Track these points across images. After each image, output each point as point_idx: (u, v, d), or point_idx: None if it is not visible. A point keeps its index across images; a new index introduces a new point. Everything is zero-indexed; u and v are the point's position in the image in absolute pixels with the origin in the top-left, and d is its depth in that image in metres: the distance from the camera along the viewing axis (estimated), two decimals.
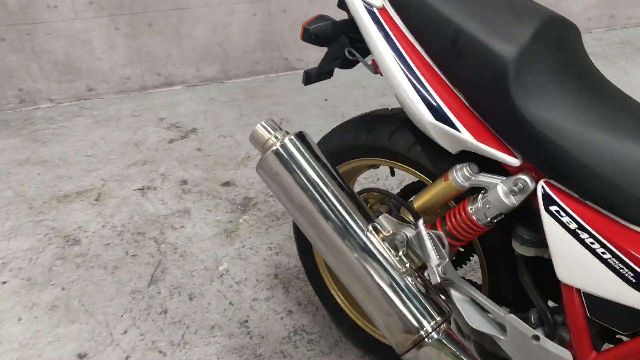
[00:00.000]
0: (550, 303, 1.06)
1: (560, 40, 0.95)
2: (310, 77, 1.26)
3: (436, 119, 0.97)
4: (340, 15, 1.18)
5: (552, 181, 0.89)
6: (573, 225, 0.86)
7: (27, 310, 1.68)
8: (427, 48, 0.98)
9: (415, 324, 0.98)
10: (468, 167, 0.98)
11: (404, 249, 1.02)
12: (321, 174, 1.06)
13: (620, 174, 0.82)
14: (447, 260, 1.00)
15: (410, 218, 1.12)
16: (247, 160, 2.43)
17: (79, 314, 1.67)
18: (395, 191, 1.51)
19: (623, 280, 0.83)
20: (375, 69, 1.10)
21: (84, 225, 2.05)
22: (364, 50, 1.13)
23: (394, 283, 0.99)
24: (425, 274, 1.02)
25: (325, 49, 1.20)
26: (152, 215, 2.09)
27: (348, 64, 1.24)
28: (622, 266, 0.83)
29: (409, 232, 1.02)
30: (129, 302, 1.71)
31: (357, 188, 1.49)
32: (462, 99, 0.96)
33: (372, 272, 1.01)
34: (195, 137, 2.64)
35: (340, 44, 1.12)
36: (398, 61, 1.00)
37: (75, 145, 2.60)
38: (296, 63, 3.23)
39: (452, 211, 1.01)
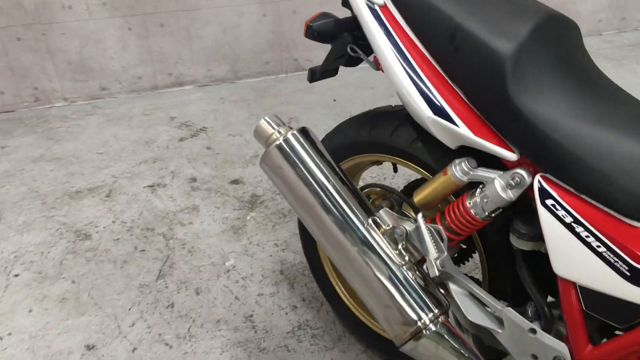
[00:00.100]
0: (550, 298, 1.07)
1: (559, 38, 0.96)
2: (315, 75, 1.28)
3: (435, 114, 0.98)
4: (345, 14, 1.20)
5: (548, 175, 0.90)
6: (568, 219, 0.87)
7: (37, 303, 1.72)
8: (426, 44, 1.00)
9: (414, 316, 0.99)
10: (466, 162, 0.99)
11: (404, 242, 1.04)
12: (323, 168, 1.08)
13: (615, 168, 0.83)
14: (446, 254, 1.02)
15: (412, 214, 1.14)
16: (256, 158, 2.46)
17: (88, 307, 1.70)
18: (401, 189, 1.53)
19: (617, 273, 0.84)
20: (377, 65, 1.12)
21: (94, 220, 2.09)
22: (368, 48, 1.14)
23: (392, 276, 1.01)
24: (424, 267, 1.03)
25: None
26: (161, 211, 2.13)
27: (353, 62, 1.26)
28: (616, 259, 0.84)
29: (409, 226, 1.04)
30: (137, 296, 1.74)
31: (360, 184, 1.51)
32: (461, 95, 0.97)
33: (372, 265, 1.02)
34: (205, 135, 2.67)
35: (343, 41, 1.14)
36: (398, 57, 1.02)
37: (88, 143, 2.65)
38: (305, 64, 3.26)
39: (451, 205, 1.03)
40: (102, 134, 2.73)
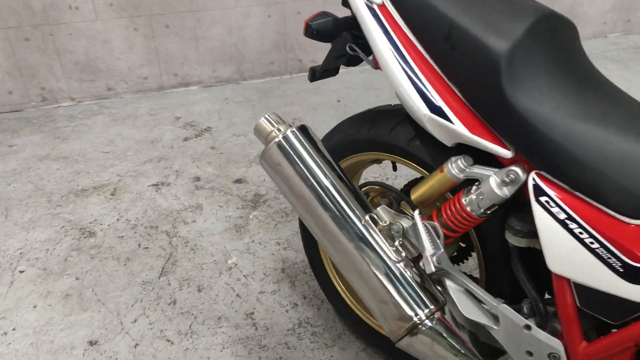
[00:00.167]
0: (547, 296, 1.08)
1: (555, 36, 0.97)
2: (316, 74, 1.29)
3: (431, 111, 0.99)
4: (346, 15, 1.22)
5: (543, 172, 0.91)
6: (562, 216, 0.87)
7: (42, 298, 1.74)
8: (423, 43, 1.01)
9: (409, 311, 1.00)
10: (462, 159, 1.00)
11: (400, 239, 1.04)
12: (321, 165, 1.09)
13: (609, 165, 0.84)
14: (442, 250, 1.02)
15: (410, 212, 1.15)
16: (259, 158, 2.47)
17: (91, 303, 1.72)
18: (401, 188, 1.53)
19: (611, 270, 0.85)
20: (375, 64, 1.14)
21: (99, 218, 2.11)
22: (367, 47, 1.16)
23: (389, 271, 1.02)
24: (421, 264, 1.04)
25: None
26: (165, 209, 2.15)
27: (353, 62, 1.27)
28: (610, 256, 0.84)
29: (406, 223, 1.05)
30: (140, 293, 1.76)
31: (361, 183, 1.52)
32: (457, 93, 0.98)
33: (368, 261, 1.03)
34: (210, 135, 2.69)
35: (342, 40, 1.16)
36: (396, 56, 1.03)
37: (94, 142, 2.68)
38: (310, 64, 3.27)
39: (448, 203, 1.03)
40: (108, 133, 2.75)
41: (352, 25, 1.16)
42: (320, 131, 2.60)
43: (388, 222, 1.06)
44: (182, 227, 2.05)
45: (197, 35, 3.02)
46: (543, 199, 0.89)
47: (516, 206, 1.00)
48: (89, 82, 3.02)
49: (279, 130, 1.13)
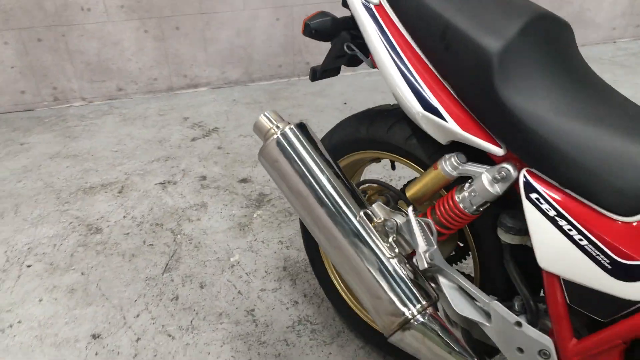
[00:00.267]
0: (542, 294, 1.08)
1: (549, 36, 0.98)
2: (316, 74, 1.31)
3: (425, 109, 1.01)
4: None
5: (534, 170, 0.92)
6: (552, 213, 0.88)
7: (47, 292, 1.78)
8: (419, 42, 1.03)
9: (401, 306, 1.01)
10: (456, 157, 1.01)
11: (394, 235, 1.06)
12: (318, 162, 1.11)
13: (598, 163, 0.85)
14: (435, 247, 1.03)
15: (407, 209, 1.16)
16: None
17: (95, 298, 1.75)
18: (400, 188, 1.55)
19: (599, 267, 0.85)
20: (373, 64, 1.15)
21: (106, 215, 2.15)
22: (365, 47, 1.17)
23: (382, 267, 1.03)
24: (414, 260, 1.05)
25: None
26: (170, 207, 2.18)
27: (354, 62, 1.29)
28: (598, 253, 0.85)
29: (400, 220, 1.06)
30: (143, 288, 1.78)
31: (359, 180, 1.53)
32: (451, 91, 0.99)
33: (362, 256, 1.05)
34: (217, 136, 2.72)
35: (341, 39, 1.18)
36: (392, 55, 1.05)
37: (104, 141, 2.73)
38: None
39: (441, 200, 1.05)
40: (117, 133, 2.80)
41: (350, 25, 1.18)
42: (326, 133, 2.62)
43: (382, 219, 1.07)
44: (187, 224, 2.08)
45: (206, 37, 3.06)
46: (533, 195, 0.90)
47: (509, 204, 1.01)
48: (100, 83, 3.07)
49: (277, 127, 1.15)
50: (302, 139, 1.13)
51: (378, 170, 2.34)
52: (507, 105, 0.91)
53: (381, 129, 1.23)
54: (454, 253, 1.36)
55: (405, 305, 1.01)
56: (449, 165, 1.02)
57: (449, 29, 0.97)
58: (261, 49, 3.15)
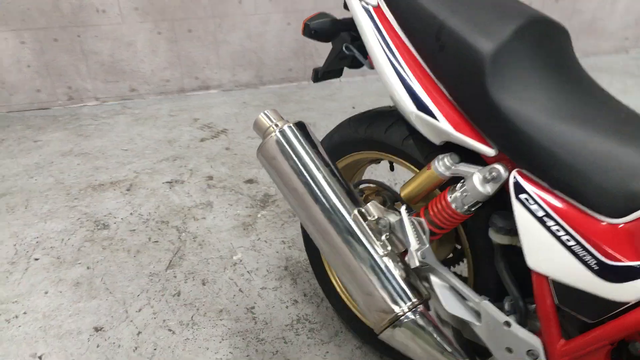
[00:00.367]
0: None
1: (543, 40, 0.99)
2: (318, 74, 1.34)
3: (418, 109, 1.02)
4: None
5: (524, 171, 0.93)
6: (540, 213, 0.89)
7: (53, 285, 1.81)
8: (414, 43, 1.04)
9: (392, 303, 1.02)
10: (449, 157, 1.03)
11: (387, 233, 1.07)
12: (315, 160, 1.12)
13: (587, 164, 0.85)
14: (427, 246, 1.05)
15: None
16: None
17: (99, 291, 1.78)
18: None
19: (587, 268, 0.86)
20: (371, 65, 1.17)
21: (113, 212, 2.18)
22: (365, 48, 1.19)
23: (374, 264, 1.04)
24: (406, 258, 1.07)
25: None
26: (177, 206, 2.21)
27: (356, 64, 1.31)
28: (585, 254, 0.85)
29: (393, 218, 1.07)
30: (147, 284, 1.81)
31: (357, 181, 1.54)
32: (445, 92, 1.01)
33: (354, 253, 1.06)
34: (225, 137, 2.76)
35: (340, 40, 1.20)
36: (388, 55, 1.06)
37: (115, 140, 2.77)
38: None
39: (434, 200, 1.06)
40: (128, 133, 2.85)
41: (350, 26, 1.20)
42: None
43: (376, 217, 1.09)
44: (192, 223, 2.11)
45: (218, 40, 3.10)
46: (523, 196, 0.91)
47: (501, 204, 1.02)
48: (113, 83, 3.13)
49: (276, 125, 1.17)
50: (300, 137, 1.15)
51: (382, 174, 2.36)
52: (498, 107, 0.92)
53: (379, 130, 1.25)
54: (451, 255, 1.37)
55: (395, 302, 1.02)
56: (442, 165, 1.03)
57: (444, 31, 0.98)
58: (272, 52, 3.19)
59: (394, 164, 1.33)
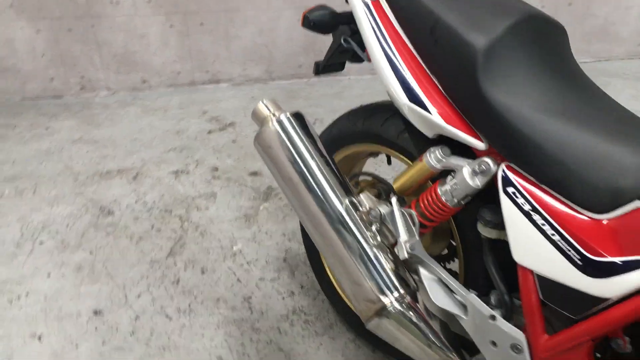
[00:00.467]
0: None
1: (538, 36, 0.99)
2: (319, 67, 1.35)
3: (411, 101, 1.03)
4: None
5: (513, 165, 0.93)
6: (527, 207, 0.90)
7: (56, 268, 1.85)
8: (410, 37, 1.05)
9: (379, 294, 1.03)
10: (440, 150, 1.04)
11: (378, 224, 1.08)
12: (310, 150, 1.14)
13: (573, 160, 0.86)
14: (417, 238, 1.05)
15: None
16: None
17: (101, 276, 1.82)
18: None
19: (571, 262, 0.86)
20: (368, 58, 1.18)
21: (119, 199, 2.22)
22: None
23: (363, 254, 1.05)
24: (395, 250, 1.07)
25: None
26: (181, 195, 2.24)
27: (358, 58, 1.32)
28: (569, 248, 0.86)
29: (384, 210, 1.08)
30: (147, 270, 1.84)
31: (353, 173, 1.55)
32: (438, 85, 1.02)
33: (344, 243, 1.07)
34: (233, 130, 2.79)
35: (339, 33, 1.21)
36: (384, 48, 1.08)
37: (124, 130, 2.81)
38: None
39: (425, 192, 1.07)
40: (138, 123, 2.88)
41: (350, 19, 1.21)
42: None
43: (368, 208, 1.10)
44: (195, 212, 2.13)
45: (230, 34, 3.13)
46: (510, 189, 0.92)
47: (490, 198, 1.02)
48: (125, 74, 3.17)
49: (274, 115, 1.18)
50: (297, 127, 1.16)
51: (385, 170, 2.36)
52: (488, 100, 0.93)
53: (376, 123, 1.26)
54: (446, 252, 1.38)
55: (382, 292, 1.03)
56: (434, 158, 1.04)
57: (439, 25, 0.99)
58: (282, 48, 3.21)
59: (392, 157, 1.34)
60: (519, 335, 0.97)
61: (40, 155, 2.57)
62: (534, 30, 0.99)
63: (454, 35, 0.97)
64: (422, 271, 1.09)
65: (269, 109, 1.20)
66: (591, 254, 0.84)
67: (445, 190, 1.02)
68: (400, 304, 1.03)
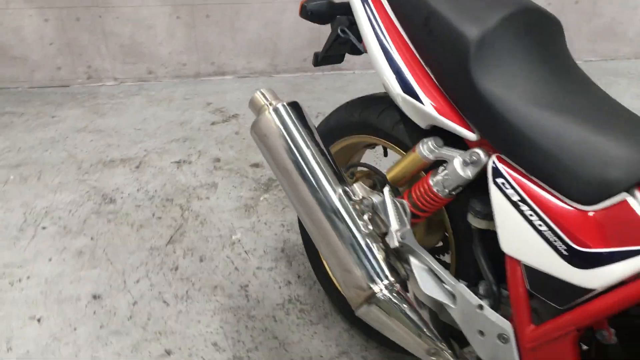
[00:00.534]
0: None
1: (533, 30, 1.00)
2: (318, 59, 1.36)
3: (404, 92, 1.04)
4: None
5: (503, 156, 0.94)
6: (515, 198, 0.91)
7: (58, 253, 1.87)
8: (405, 28, 1.06)
9: (369, 281, 1.04)
10: (433, 141, 1.04)
11: (370, 213, 1.09)
12: (306, 139, 1.15)
13: (563, 152, 0.86)
14: (408, 227, 1.07)
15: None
16: None
17: (101, 262, 1.84)
18: None
19: (557, 253, 0.87)
20: (364, 48, 1.19)
21: (121, 187, 2.24)
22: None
23: (354, 242, 1.07)
24: (386, 239, 1.09)
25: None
26: (182, 185, 2.26)
27: (357, 50, 1.33)
28: (556, 239, 0.87)
29: (376, 199, 1.10)
30: (147, 257, 1.86)
31: (349, 164, 1.56)
32: (431, 76, 1.03)
33: (336, 231, 1.08)
34: (236, 121, 2.80)
35: (336, 23, 1.22)
36: (379, 39, 1.08)
37: (129, 119, 2.84)
38: (342, 64, 3.34)
39: (418, 183, 1.08)
40: (142, 113, 2.91)
41: (348, 10, 1.22)
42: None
43: (360, 197, 1.11)
44: (196, 202, 2.15)
45: (235, 26, 3.14)
46: (499, 180, 0.93)
47: (482, 189, 1.03)
48: (132, 65, 3.20)
49: (270, 104, 1.20)
50: (292, 116, 1.17)
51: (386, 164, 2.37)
52: (480, 92, 0.93)
53: (372, 114, 1.27)
54: (441, 244, 1.39)
55: (372, 280, 1.04)
56: (426, 148, 1.05)
57: (433, 16, 1.00)
58: (287, 42, 3.22)
59: (387, 149, 1.35)
60: (505, 325, 0.98)
61: (46, 143, 2.60)
62: (529, 23, 1.00)
63: (447, 26, 0.98)
64: (413, 260, 1.10)
65: (266, 98, 1.21)
66: (577, 245, 0.85)
67: (437, 180, 1.03)
68: (390, 292, 1.04)
